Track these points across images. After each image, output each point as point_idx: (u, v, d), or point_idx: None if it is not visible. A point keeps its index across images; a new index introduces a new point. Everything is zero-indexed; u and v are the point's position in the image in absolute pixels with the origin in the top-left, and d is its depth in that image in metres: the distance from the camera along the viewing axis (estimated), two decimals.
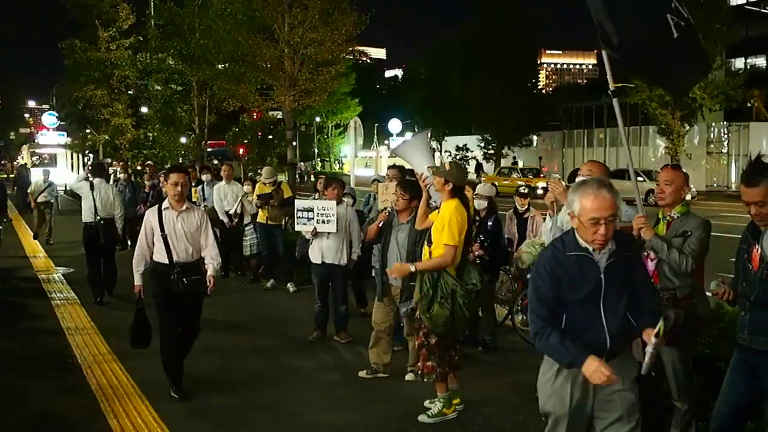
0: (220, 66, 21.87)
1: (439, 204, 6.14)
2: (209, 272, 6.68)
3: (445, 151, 57.66)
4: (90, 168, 13.53)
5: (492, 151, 50.91)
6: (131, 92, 33.29)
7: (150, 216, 6.64)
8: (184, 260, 6.55)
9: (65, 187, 29.19)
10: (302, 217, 8.60)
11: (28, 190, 17.29)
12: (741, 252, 3.98)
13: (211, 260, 6.74)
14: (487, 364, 7.65)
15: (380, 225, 7.28)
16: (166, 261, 6.51)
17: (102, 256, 10.91)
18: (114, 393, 6.62)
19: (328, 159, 79.08)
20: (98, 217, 10.71)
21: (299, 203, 8.79)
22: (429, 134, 6.57)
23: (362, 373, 7.23)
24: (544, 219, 6.16)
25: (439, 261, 5.86)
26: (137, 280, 6.68)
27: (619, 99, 5.37)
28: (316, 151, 72.75)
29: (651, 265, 4.88)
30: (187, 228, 6.61)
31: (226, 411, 6.26)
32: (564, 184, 5.61)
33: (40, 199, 17.77)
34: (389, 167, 10.67)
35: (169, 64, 24.91)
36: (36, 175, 21.23)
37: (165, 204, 6.66)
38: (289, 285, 11.72)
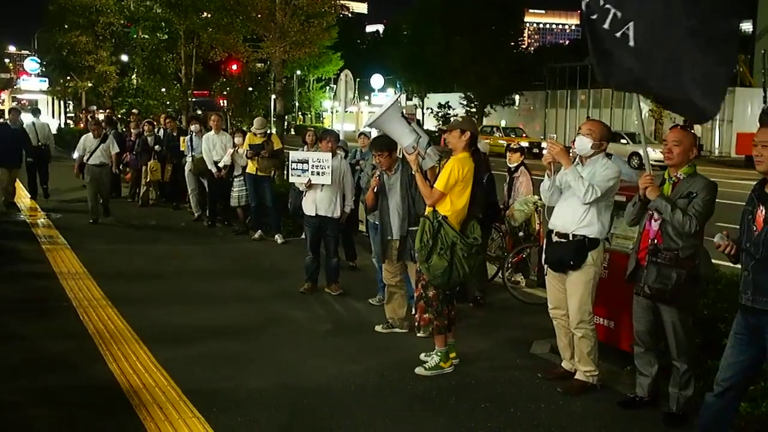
0: (208, 15, 21.51)
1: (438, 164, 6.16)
2: None
3: (427, 108, 57.54)
4: (32, 110, 17.90)
5: (474, 110, 50.85)
6: (114, 40, 32.74)
7: None
8: None
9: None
10: (297, 169, 8.54)
11: (75, 155, 13.86)
12: (746, 213, 4.03)
13: None
14: (477, 320, 7.69)
15: (375, 190, 7.12)
16: None
17: (38, 166, 15.83)
18: (111, 337, 6.64)
19: (308, 113, 78.55)
20: (40, 143, 16.13)
21: (294, 155, 8.72)
22: (399, 100, 6.46)
23: (378, 328, 7.23)
24: (539, 179, 6.15)
25: (425, 192, 5.97)
26: None
27: None
28: (297, 104, 72.19)
29: (655, 225, 4.95)
30: None
31: (221, 357, 6.28)
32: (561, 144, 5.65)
33: (92, 161, 13.33)
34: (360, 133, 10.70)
35: (156, 12, 24.41)
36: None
37: None
38: (276, 236, 11.77)
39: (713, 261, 5.01)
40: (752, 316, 3.97)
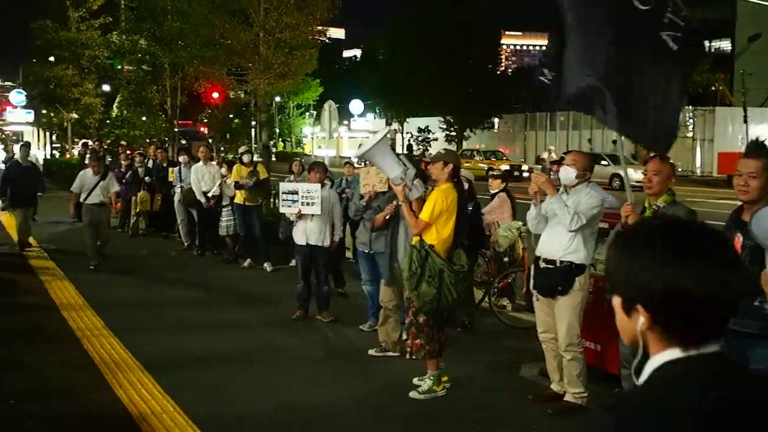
0: (191, 48, 21.77)
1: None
2: None
3: (407, 133, 57.80)
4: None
5: (454, 133, 51.16)
6: (99, 72, 33.10)
7: None
8: None
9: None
10: (287, 200, 8.77)
11: (72, 188, 12.18)
12: None
13: None
14: (465, 344, 7.87)
15: (387, 217, 7.34)
16: None
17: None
18: (116, 365, 6.76)
19: (289, 139, 78.81)
20: None
21: (284, 186, 8.95)
22: (388, 134, 6.71)
23: (372, 352, 7.39)
24: (523, 203, 6.39)
25: (411, 222, 6.20)
26: None
27: None
28: (278, 131, 72.47)
29: None
30: None
31: (219, 384, 6.43)
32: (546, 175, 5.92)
33: (91, 200, 11.90)
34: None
35: (142, 46, 24.71)
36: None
37: None
38: (265, 264, 11.93)
39: None
40: (734, 339, 4.19)
